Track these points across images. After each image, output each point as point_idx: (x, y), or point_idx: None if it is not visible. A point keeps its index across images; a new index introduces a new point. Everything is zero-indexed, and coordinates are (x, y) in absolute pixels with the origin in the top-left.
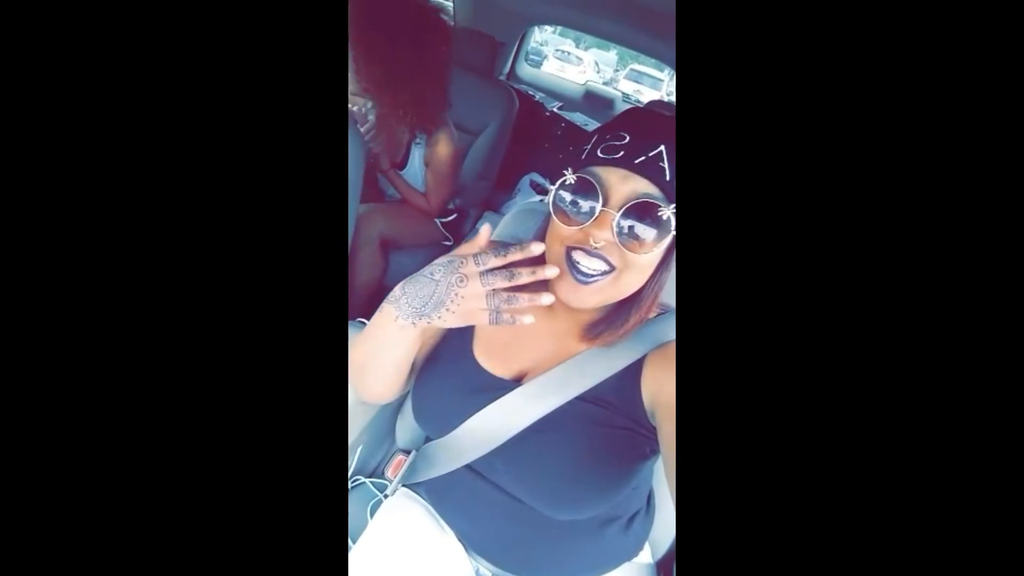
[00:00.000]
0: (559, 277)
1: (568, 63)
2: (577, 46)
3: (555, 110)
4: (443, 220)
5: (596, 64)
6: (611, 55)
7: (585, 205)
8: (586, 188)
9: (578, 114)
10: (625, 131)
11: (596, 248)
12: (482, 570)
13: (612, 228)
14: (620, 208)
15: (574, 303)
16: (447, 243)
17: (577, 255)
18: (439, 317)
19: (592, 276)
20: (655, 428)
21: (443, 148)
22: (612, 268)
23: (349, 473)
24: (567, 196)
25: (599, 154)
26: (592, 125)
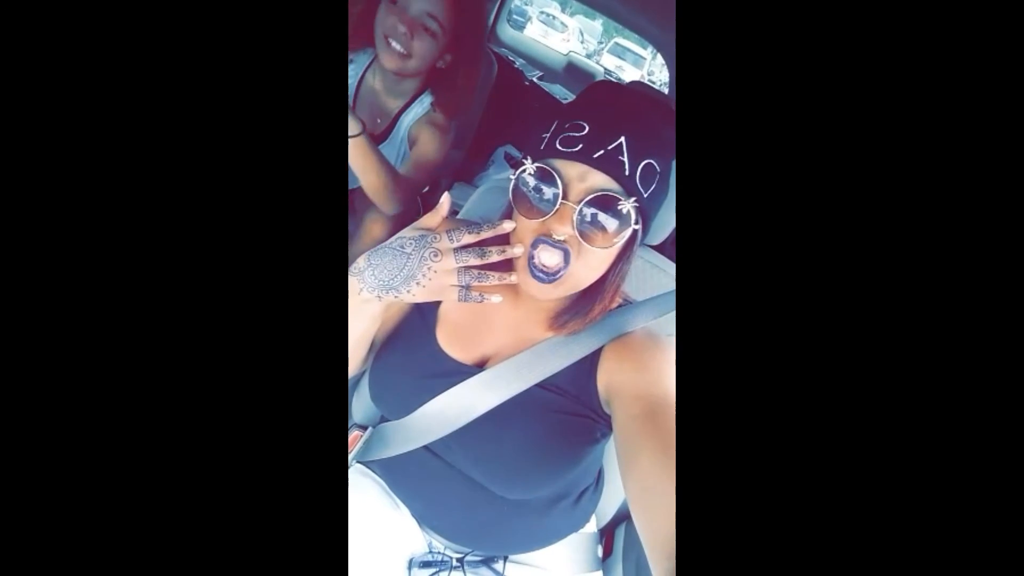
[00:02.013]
0: (522, 270)
1: (552, 28)
2: (563, 10)
3: (535, 80)
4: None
5: (580, 33)
6: (596, 24)
7: (548, 192)
8: (547, 177)
9: (558, 86)
10: (585, 120)
11: (558, 241)
12: (435, 544)
13: (572, 222)
14: (579, 202)
15: (538, 295)
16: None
17: (540, 254)
18: (408, 291)
19: (552, 275)
20: (608, 415)
21: (439, 137)
22: (568, 263)
23: None
24: (530, 182)
25: (558, 146)
26: (571, 99)
